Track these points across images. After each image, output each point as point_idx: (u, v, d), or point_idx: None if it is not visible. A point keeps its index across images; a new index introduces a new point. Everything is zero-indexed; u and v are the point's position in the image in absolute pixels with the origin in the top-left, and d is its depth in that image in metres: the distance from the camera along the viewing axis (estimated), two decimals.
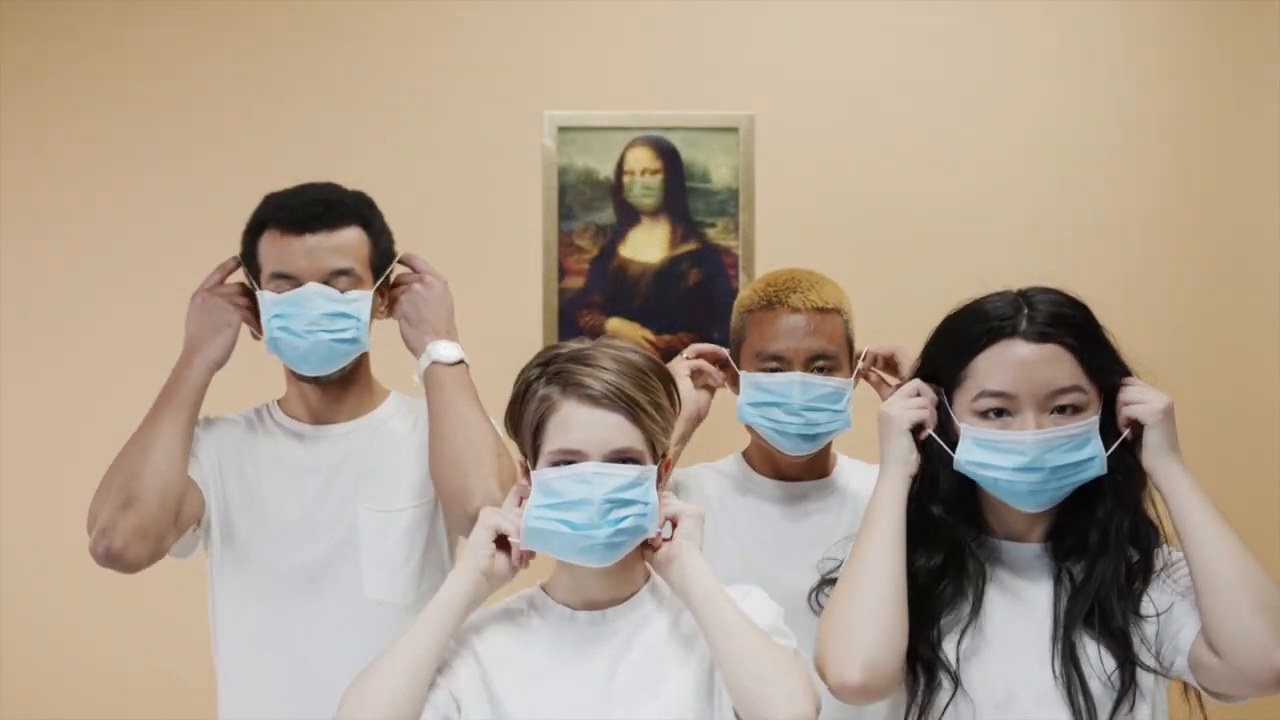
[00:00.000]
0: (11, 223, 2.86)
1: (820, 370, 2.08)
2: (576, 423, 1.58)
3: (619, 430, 1.58)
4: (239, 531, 2.06)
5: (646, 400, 1.59)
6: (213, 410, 2.11)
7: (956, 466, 1.65)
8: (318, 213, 2.00)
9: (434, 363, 2.04)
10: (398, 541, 2.05)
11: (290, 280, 1.99)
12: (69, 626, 2.83)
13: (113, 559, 1.94)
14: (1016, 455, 1.59)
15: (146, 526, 1.94)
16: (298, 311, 1.98)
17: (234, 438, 2.11)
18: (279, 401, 2.15)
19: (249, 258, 2.06)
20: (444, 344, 2.06)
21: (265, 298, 2.00)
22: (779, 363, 2.08)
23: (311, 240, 1.99)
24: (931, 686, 1.63)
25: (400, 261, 2.11)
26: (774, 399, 2.06)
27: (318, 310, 1.98)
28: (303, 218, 1.99)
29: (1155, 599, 1.63)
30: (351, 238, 2.02)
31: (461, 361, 2.06)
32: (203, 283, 2.07)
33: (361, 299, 2.01)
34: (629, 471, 1.57)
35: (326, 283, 1.99)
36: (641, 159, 2.87)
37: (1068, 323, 1.63)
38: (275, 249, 2.01)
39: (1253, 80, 2.92)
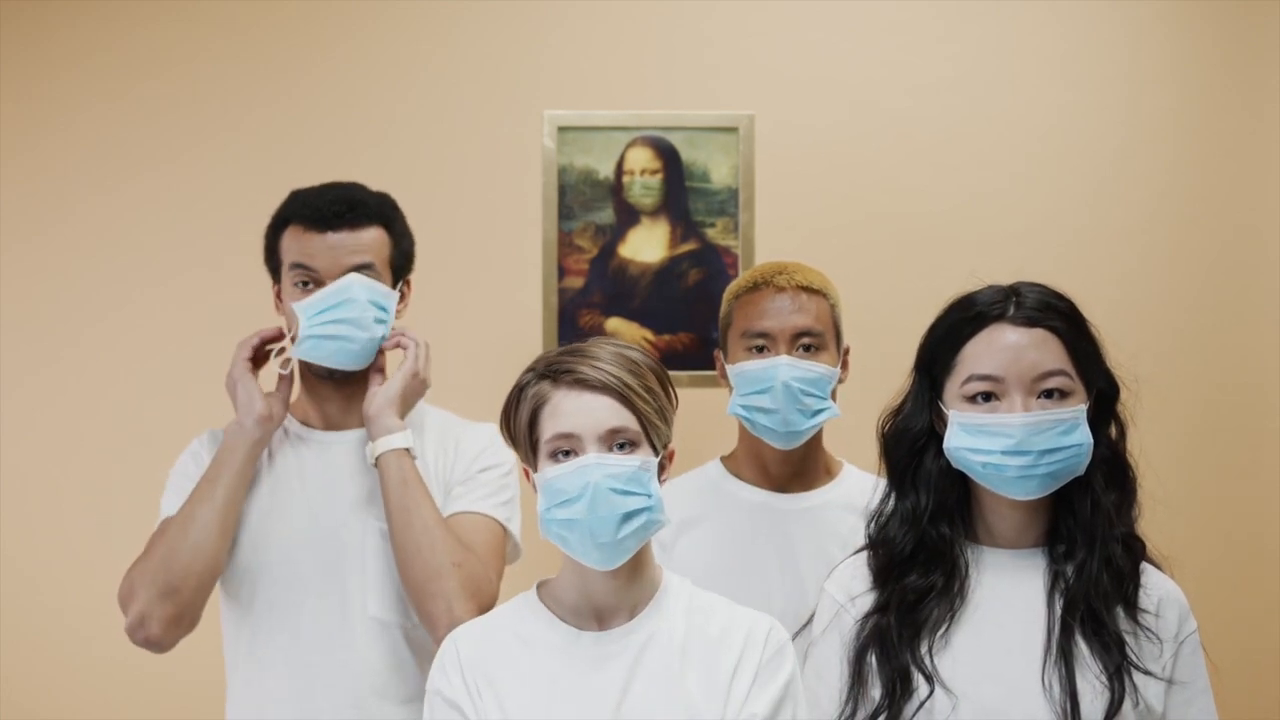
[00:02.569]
0: (12, 223, 2.86)
1: (806, 349, 2.07)
2: (569, 408, 1.58)
3: (612, 411, 1.57)
4: (248, 536, 2.05)
5: (638, 384, 1.59)
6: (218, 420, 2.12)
7: (945, 450, 1.65)
8: (340, 211, 2.03)
9: (386, 451, 2.02)
10: None
11: (308, 272, 2.01)
12: (69, 626, 2.83)
13: (151, 645, 1.98)
14: (1004, 438, 1.59)
15: (183, 614, 1.97)
16: (348, 303, 1.99)
17: None
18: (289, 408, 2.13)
19: (270, 253, 2.09)
20: (399, 435, 2.02)
21: (308, 302, 2.00)
22: (765, 340, 2.08)
23: (334, 238, 2.02)
24: (908, 692, 1.62)
25: (393, 337, 2.08)
26: (760, 386, 2.06)
27: (365, 297, 2.00)
28: (326, 215, 2.02)
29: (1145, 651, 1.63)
30: (373, 237, 2.05)
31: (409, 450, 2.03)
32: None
33: (392, 296, 2.05)
34: (629, 462, 1.57)
35: None
36: (641, 159, 2.87)
37: (1055, 310, 1.65)
38: (297, 244, 2.03)
39: (1253, 80, 2.92)
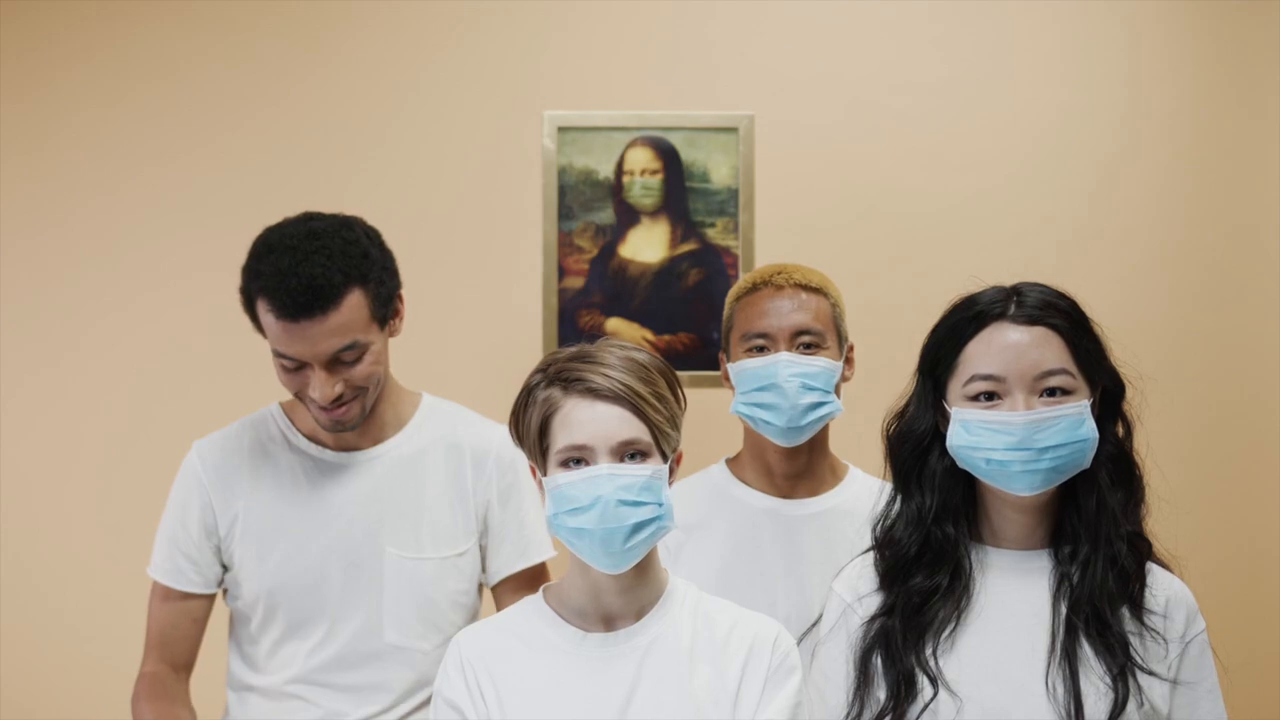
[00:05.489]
0: (12, 223, 2.86)
1: (806, 348, 2.08)
2: (580, 419, 1.57)
3: (624, 423, 1.57)
4: (263, 559, 2.02)
5: (649, 392, 1.58)
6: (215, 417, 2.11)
7: (949, 449, 1.65)
8: (307, 301, 1.87)
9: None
10: (422, 588, 2.02)
11: (294, 360, 1.92)
12: (69, 626, 2.83)
13: None
14: (1005, 434, 1.60)
15: None
16: None
17: (242, 459, 2.06)
18: (289, 413, 2.09)
19: (250, 314, 1.97)
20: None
21: None
22: (765, 340, 2.08)
23: (309, 328, 1.89)
24: (913, 694, 1.62)
25: None
26: (761, 383, 2.06)
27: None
28: (293, 308, 1.88)
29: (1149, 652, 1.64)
30: (349, 310, 1.90)
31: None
32: None
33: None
34: (640, 471, 1.56)
35: (332, 362, 1.91)
36: (641, 159, 2.87)
37: (1057, 309, 1.65)
38: (273, 329, 1.92)
39: (1253, 80, 2.93)
